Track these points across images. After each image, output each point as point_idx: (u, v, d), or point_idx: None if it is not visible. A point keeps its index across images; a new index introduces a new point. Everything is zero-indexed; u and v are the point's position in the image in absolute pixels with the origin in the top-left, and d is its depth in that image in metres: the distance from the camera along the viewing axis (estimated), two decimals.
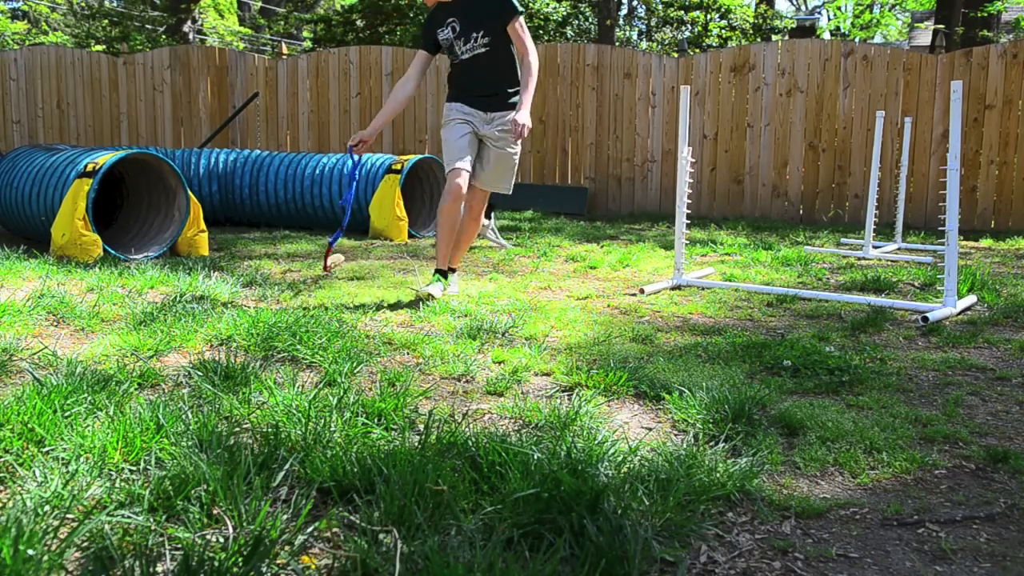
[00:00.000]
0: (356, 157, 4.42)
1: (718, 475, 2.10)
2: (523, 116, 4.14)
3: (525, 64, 4.24)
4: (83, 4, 24.33)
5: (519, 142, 4.28)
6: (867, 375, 3.08)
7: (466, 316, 3.98)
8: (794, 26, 17.31)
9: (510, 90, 4.32)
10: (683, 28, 17.50)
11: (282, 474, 1.99)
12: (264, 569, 1.62)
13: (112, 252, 5.46)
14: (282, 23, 19.77)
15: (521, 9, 4.27)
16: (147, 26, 19.85)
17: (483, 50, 4.24)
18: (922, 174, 8.70)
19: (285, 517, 1.85)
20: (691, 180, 5.28)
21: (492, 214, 6.52)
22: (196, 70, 11.30)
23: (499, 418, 2.61)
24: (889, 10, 24.66)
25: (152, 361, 3.07)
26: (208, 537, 1.73)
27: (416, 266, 5.62)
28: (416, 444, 2.22)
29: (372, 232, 7.08)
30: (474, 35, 4.22)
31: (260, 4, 29.40)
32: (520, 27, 4.26)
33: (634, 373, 2.99)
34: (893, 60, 8.78)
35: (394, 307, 4.21)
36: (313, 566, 1.69)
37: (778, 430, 2.52)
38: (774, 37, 17.23)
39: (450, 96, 4.38)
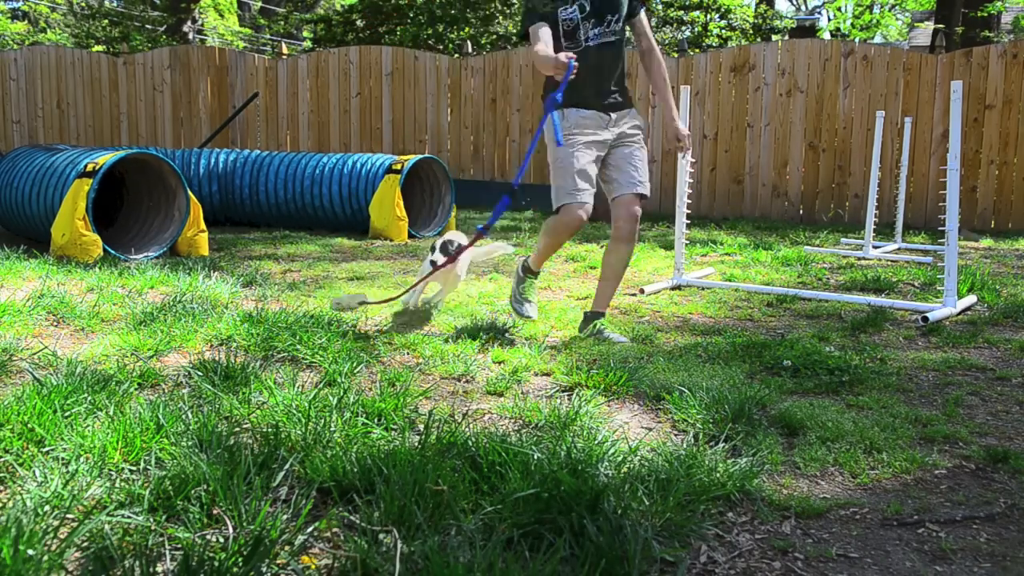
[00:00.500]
0: (574, 65, 3.24)
1: (718, 475, 2.10)
2: (683, 125, 3.76)
3: (658, 61, 3.72)
4: (83, 4, 24.33)
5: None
6: (867, 375, 3.08)
7: (466, 316, 3.98)
8: (794, 26, 17.30)
9: (627, 85, 3.75)
10: (683, 28, 17.50)
11: (282, 474, 1.99)
12: (264, 569, 1.62)
13: (112, 252, 5.45)
14: (282, 23, 19.77)
15: None
16: (147, 26, 19.85)
17: (613, 38, 3.58)
18: (922, 174, 8.70)
19: (285, 517, 1.85)
20: (691, 180, 5.28)
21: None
22: (196, 70, 11.30)
23: (499, 418, 2.61)
24: (889, 10, 24.67)
25: (152, 361, 3.07)
26: (208, 537, 1.73)
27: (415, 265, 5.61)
28: (416, 444, 2.21)
29: (372, 232, 7.08)
30: (609, 18, 3.54)
31: (260, 4, 29.40)
32: (647, 18, 3.72)
33: (634, 373, 2.99)
34: (893, 60, 8.78)
35: (394, 307, 4.21)
36: (313, 566, 1.69)
37: (778, 430, 2.52)
38: (774, 37, 17.23)
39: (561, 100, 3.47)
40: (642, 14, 3.69)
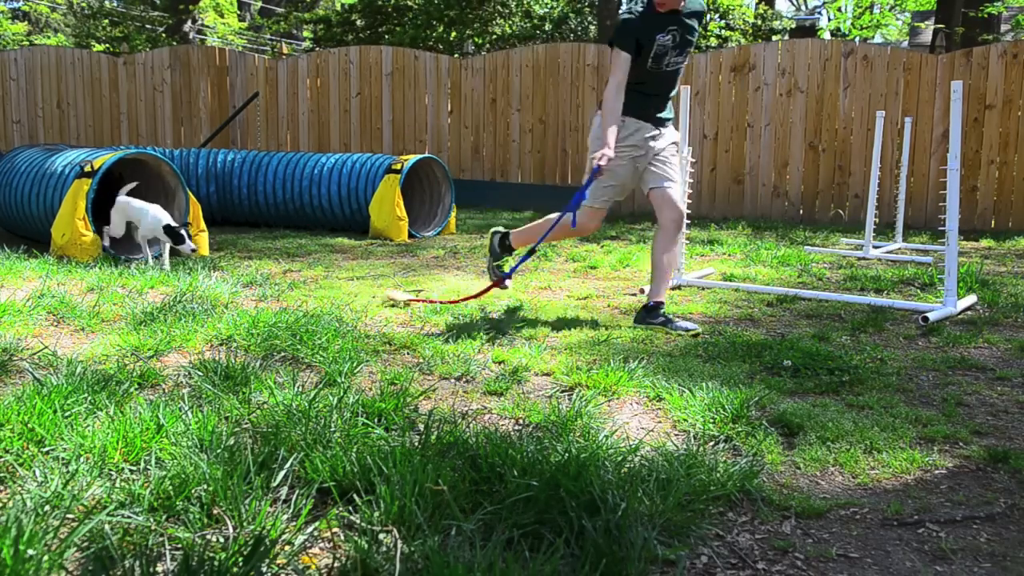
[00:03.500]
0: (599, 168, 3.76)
1: (718, 475, 2.10)
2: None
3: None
4: (83, 4, 24.32)
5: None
6: (867, 375, 3.08)
7: (466, 316, 3.98)
8: (794, 26, 17.30)
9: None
10: None
11: (282, 474, 1.99)
12: (264, 569, 1.62)
13: (112, 252, 5.46)
14: (282, 23, 19.76)
15: None
16: (147, 26, 19.85)
17: (681, 66, 3.92)
18: (922, 174, 8.70)
19: (285, 517, 1.85)
20: (691, 180, 5.28)
21: None
22: (196, 70, 11.30)
23: (499, 418, 2.61)
24: (889, 10, 24.65)
25: (152, 361, 3.07)
26: (208, 537, 1.73)
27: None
28: (416, 444, 2.21)
29: (372, 232, 7.08)
30: (687, 50, 3.86)
31: (260, 4, 29.39)
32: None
33: (634, 373, 2.99)
34: (893, 60, 8.78)
35: (394, 307, 4.21)
36: (313, 566, 1.69)
37: (778, 430, 2.52)
38: (774, 37, 17.22)
39: (629, 110, 3.80)
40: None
